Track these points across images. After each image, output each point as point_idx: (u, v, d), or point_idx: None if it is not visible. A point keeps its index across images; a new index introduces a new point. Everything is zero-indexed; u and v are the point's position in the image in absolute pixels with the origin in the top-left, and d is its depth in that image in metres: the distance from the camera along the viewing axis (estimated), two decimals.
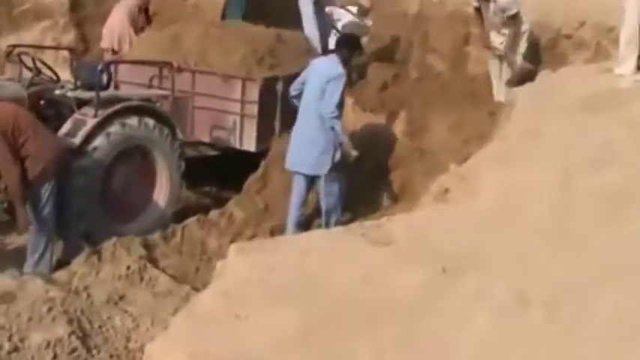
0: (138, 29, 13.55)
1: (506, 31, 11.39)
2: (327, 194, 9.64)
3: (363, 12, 13.79)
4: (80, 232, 9.33)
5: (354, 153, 9.53)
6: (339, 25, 13.19)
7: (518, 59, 11.50)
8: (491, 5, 11.40)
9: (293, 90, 9.86)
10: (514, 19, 11.35)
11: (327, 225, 9.64)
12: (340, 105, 9.51)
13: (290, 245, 6.22)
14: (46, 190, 8.64)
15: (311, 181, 9.74)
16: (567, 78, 10.18)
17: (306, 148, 9.55)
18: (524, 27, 11.50)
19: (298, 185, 9.79)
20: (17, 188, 8.40)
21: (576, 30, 12.82)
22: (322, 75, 9.42)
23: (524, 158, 7.44)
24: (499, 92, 11.50)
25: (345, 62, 9.63)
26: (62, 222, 9.04)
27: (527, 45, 11.57)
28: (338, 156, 9.51)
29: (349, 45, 9.84)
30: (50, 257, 8.81)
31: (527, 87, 10.67)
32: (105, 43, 13.69)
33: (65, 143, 9.08)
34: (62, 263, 8.86)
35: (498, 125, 9.40)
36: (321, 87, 9.36)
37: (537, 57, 12.34)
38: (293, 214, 9.82)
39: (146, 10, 14.12)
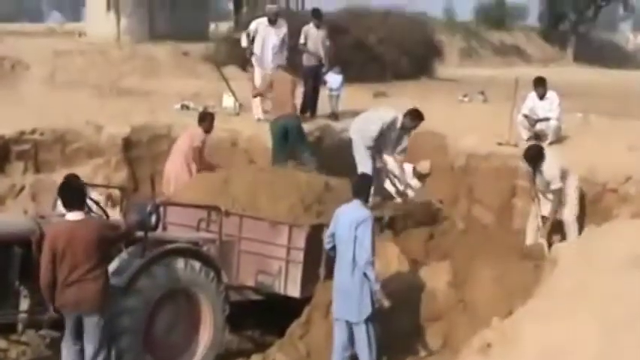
0: (194, 173, 13.71)
1: (554, 198, 11.72)
2: (365, 343, 9.59)
3: (418, 175, 14.00)
4: None
5: (386, 303, 9.52)
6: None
7: (573, 223, 11.75)
8: (538, 175, 11.74)
9: (327, 244, 9.95)
10: (560, 189, 11.67)
11: None
12: (373, 247, 9.57)
13: None
14: (96, 325, 8.78)
15: (351, 328, 9.71)
16: (612, 233, 10.15)
17: (344, 296, 9.59)
18: (572, 191, 11.83)
19: (338, 332, 9.78)
20: (46, 294, 8.73)
21: (622, 184, 12.90)
22: (350, 222, 9.52)
23: (568, 315, 7.39)
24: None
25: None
26: None
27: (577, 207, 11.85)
28: (374, 303, 9.51)
29: (366, 187, 9.98)
30: None
31: (572, 242, 10.69)
32: (166, 185, 13.87)
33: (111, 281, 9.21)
34: None
35: (542, 280, 9.38)
36: (350, 234, 9.46)
37: (582, 211, 12.40)
38: None
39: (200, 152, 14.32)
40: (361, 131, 13.15)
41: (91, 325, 8.79)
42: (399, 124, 13.00)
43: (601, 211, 12.71)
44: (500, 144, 13.79)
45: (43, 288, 8.74)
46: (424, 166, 14.40)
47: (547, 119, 14.88)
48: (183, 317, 10.09)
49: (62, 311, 8.91)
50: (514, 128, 14.92)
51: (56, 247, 8.60)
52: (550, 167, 11.85)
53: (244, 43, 17.81)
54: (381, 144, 13.13)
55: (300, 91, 15.61)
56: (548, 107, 14.96)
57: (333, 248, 9.81)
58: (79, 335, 8.89)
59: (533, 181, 12.20)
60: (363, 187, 9.93)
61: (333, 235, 9.78)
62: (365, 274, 9.40)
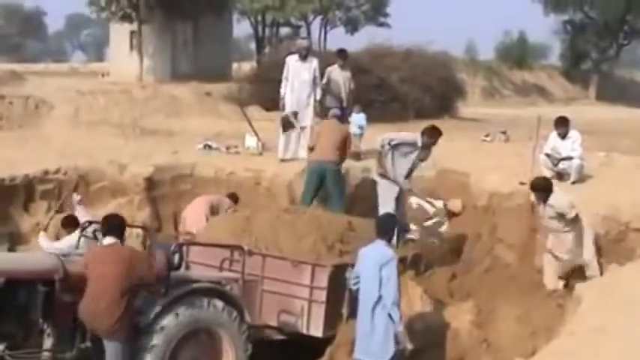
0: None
1: (569, 235, 11.59)
2: None
3: (450, 213, 14.02)
4: None
5: (409, 346, 9.50)
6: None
7: (593, 262, 11.66)
8: (548, 210, 11.60)
9: (353, 284, 9.94)
10: (575, 222, 11.55)
11: None
12: (398, 288, 9.55)
13: None
14: (113, 350, 9.04)
15: None
16: (635, 272, 10.13)
17: (367, 337, 9.54)
18: (585, 230, 11.74)
19: None
20: None
21: None
22: (374, 263, 9.49)
23: (592, 355, 7.36)
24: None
25: (390, 241, 9.75)
26: None
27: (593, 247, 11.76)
28: (400, 345, 9.48)
29: (391, 227, 9.98)
30: None
31: (595, 281, 10.66)
32: (183, 229, 14.03)
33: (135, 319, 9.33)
34: None
35: (565, 320, 9.35)
36: (374, 274, 9.42)
37: (605, 251, 12.35)
38: None
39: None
40: (390, 171, 13.27)
41: (110, 348, 9.11)
42: (419, 143, 13.26)
43: (624, 251, 12.65)
44: (522, 183, 13.76)
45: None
46: (456, 204, 14.42)
47: (570, 158, 14.80)
48: (206, 356, 10.09)
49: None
50: (536, 167, 14.91)
51: (87, 266, 9.24)
52: (558, 200, 11.70)
53: (283, 90, 17.57)
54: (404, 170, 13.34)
55: (351, 141, 15.51)
56: (570, 146, 14.88)
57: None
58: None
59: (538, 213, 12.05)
60: (387, 227, 9.93)
61: (358, 276, 9.79)
62: (390, 315, 9.39)
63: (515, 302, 10.86)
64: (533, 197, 12.08)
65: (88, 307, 9.13)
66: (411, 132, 14.01)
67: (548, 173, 14.67)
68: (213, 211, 14.06)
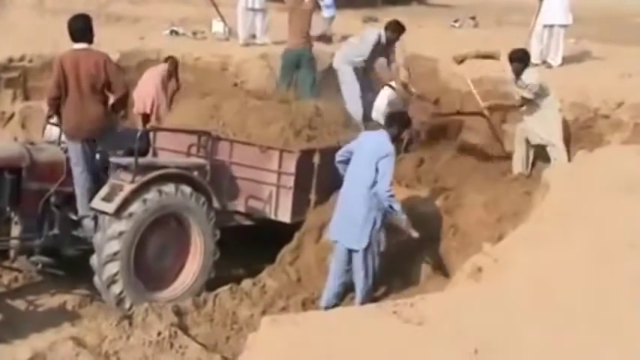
0: (168, 93, 13.89)
1: (539, 115, 11.63)
2: (361, 269, 9.57)
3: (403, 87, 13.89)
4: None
5: (415, 234, 9.53)
6: (386, 100, 13.25)
7: (560, 147, 11.66)
8: (519, 83, 11.59)
9: (339, 156, 9.83)
10: (545, 102, 11.56)
11: (360, 299, 9.58)
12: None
13: (321, 321, 6.21)
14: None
15: (349, 253, 9.69)
16: (604, 159, 10.14)
17: (348, 221, 9.51)
18: (554, 112, 11.70)
19: (338, 254, 9.75)
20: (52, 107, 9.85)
21: (614, 110, 12.87)
22: (371, 152, 9.39)
23: (559, 239, 7.39)
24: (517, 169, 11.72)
25: (394, 139, 9.64)
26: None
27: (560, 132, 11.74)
28: (375, 232, 9.49)
29: (399, 122, 9.82)
30: None
31: (563, 167, 10.68)
32: (137, 109, 14.00)
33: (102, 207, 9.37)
34: None
35: (533, 205, 9.38)
36: (369, 164, 9.33)
37: (574, 137, 12.37)
38: (331, 282, 9.80)
39: (176, 75, 14.46)
40: (347, 56, 13.29)
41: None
42: (383, 40, 13.28)
43: (593, 137, 12.69)
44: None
45: (48, 102, 9.81)
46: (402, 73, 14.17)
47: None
48: (174, 242, 10.12)
49: (67, 139, 9.73)
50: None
51: (64, 69, 9.52)
52: (529, 76, 11.59)
53: None
54: (369, 64, 13.50)
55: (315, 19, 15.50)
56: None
57: (344, 162, 9.75)
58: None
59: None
60: (394, 122, 9.79)
61: (350, 152, 9.70)
62: (390, 207, 9.34)
63: (483, 188, 10.87)
64: (509, 69, 11.88)
65: (69, 116, 9.63)
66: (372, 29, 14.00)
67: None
68: (163, 81, 14.09)
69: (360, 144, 9.68)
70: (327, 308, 9.53)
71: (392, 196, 9.33)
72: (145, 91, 14.05)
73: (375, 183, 9.30)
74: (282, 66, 14.87)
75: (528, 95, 11.50)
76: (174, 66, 14.62)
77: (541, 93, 11.55)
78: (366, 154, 9.42)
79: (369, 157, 9.37)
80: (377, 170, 9.28)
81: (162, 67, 14.52)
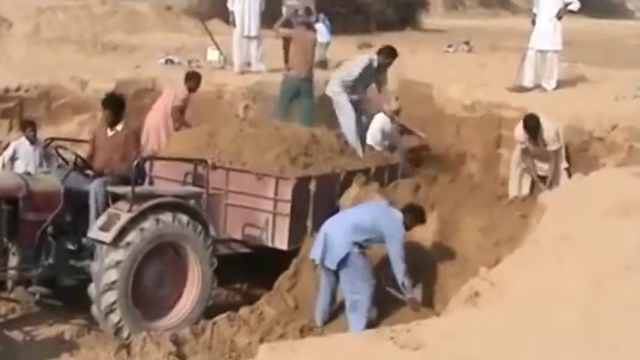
0: (171, 130, 13.69)
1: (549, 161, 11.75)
2: (350, 291, 9.66)
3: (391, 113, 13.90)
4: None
5: (418, 297, 9.79)
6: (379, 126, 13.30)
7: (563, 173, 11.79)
8: (537, 142, 11.68)
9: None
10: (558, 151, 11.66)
11: (351, 322, 9.62)
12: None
13: (319, 348, 6.21)
14: None
15: (337, 275, 9.74)
16: (599, 181, 10.16)
17: (329, 246, 9.60)
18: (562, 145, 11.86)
19: (324, 277, 9.91)
20: None
21: (608, 133, 12.90)
22: (382, 226, 9.56)
23: (555, 263, 7.40)
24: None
25: (406, 227, 9.70)
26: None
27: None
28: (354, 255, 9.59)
29: (415, 215, 9.89)
30: None
31: (559, 190, 10.70)
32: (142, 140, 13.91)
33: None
34: None
35: (529, 229, 9.40)
36: (374, 230, 9.56)
37: (569, 160, 12.41)
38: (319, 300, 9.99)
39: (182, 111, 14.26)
40: (338, 79, 13.35)
41: None
42: (375, 64, 13.26)
43: (588, 160, 12.72)
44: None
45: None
46: (392, 104, 14.14)
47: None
48: (171, 271, 10.13)
49: None
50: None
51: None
52: (549, 133, 11.75)
53: (230, 3, 18.04)
54: (360, 88, 13.45)
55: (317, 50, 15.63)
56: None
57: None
58: None
59: (529, 150, 12.02)
60: (412, 212, 9.87)
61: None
62: (403, 284, 9.59)
63: (479, 213, 10.89)
64: (520, 133, 11.97)
65: None
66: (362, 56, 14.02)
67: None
68: (174, 112, 13.86)
69: (373, 210, 9.93)
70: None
71: (406, 274, 9.53)
72: (149, 126, 13.84)
73: (359, 230, 9.56)
74: (282, 93, 14.83)
75: (558, 146, 11.69)
76: (195, 81, 14.19)
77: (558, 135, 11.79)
78: (376, 225, 9.58)
79: (376, 228, 9.55)
80: (369, 231, 9.53)
81: (171, 102, 14.09)
